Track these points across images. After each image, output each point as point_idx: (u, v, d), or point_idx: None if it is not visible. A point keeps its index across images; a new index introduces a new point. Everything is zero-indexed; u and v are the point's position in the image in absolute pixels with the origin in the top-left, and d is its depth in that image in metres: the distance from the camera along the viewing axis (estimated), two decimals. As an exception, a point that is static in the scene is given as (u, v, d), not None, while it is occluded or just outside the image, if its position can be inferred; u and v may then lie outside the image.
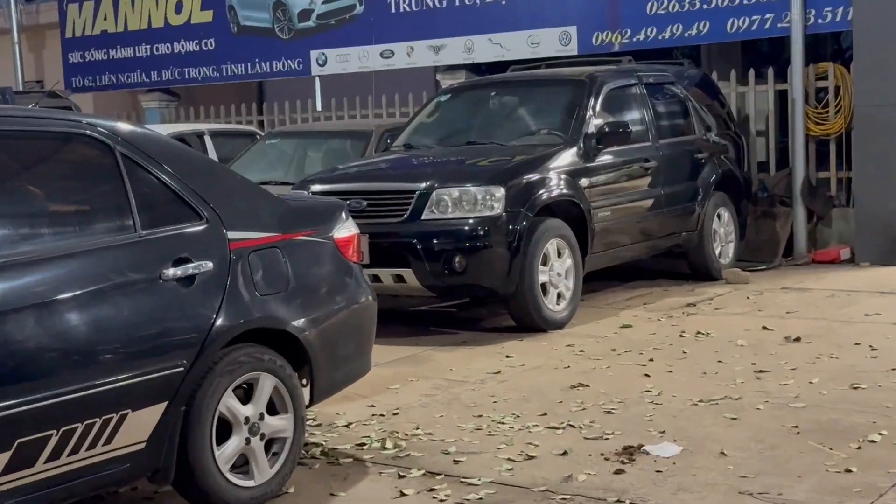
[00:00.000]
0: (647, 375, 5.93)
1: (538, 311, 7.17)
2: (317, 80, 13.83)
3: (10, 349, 3.43)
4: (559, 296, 7.37)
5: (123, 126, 4.11)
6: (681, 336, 6.87)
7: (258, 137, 10.88)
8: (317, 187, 7.52)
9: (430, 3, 11.76)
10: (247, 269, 4.18)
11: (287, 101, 13.41)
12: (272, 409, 4.29)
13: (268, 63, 13.13)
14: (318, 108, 13.61)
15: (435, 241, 6.99)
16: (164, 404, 3.86)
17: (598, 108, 8.04)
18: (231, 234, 4.16)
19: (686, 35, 10.26)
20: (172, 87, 14.19)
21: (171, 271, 3.93)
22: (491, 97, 8.72)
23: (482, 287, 7.15)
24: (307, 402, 4.47)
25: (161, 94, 14.20)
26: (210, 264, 4.05)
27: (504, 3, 11.29)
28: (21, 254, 3.58)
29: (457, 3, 11.61)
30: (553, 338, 7.04)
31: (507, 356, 6.58)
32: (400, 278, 7.10)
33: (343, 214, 4.77)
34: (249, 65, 13.27)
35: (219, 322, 4.02)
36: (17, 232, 3.66)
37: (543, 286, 7.24)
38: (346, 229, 4.72)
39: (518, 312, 7.23)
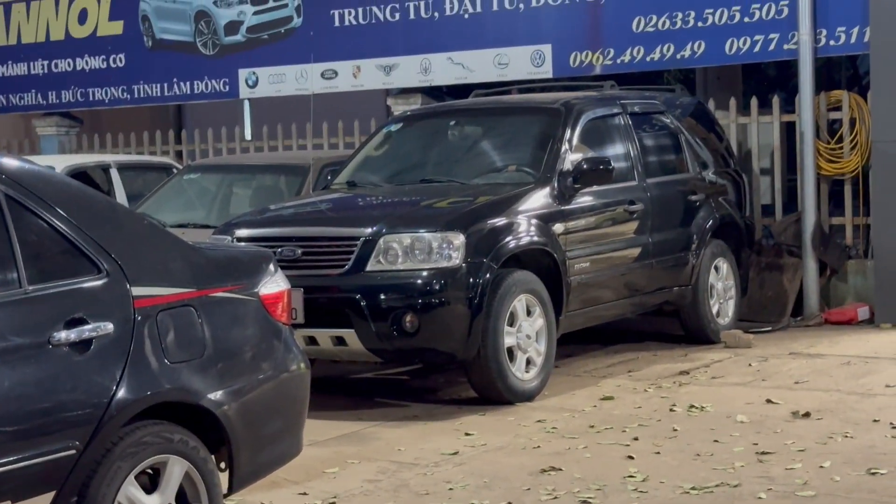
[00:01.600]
0: (630, 457, 5.94)
1: (503, 379, 7.18)
2: (246, 103, 13.86)
3: None
4: (528, 362, 7.39)
5: (8, 162, 4.10)
6: (671, 410, 6.90)
7: (175, 171, 10.87)
8: (243, 232, 7.51)
9: (381, 16, 11.86)
10: (154, 331, 4.17)
11: (210, 128, 13.41)
12: (183, 500, 4.24)
13: (188, 83, 13.13)
14: (247, 136, 13.65)
15: (382, 297, 6.99)
16: (51, 495, 3.81)
17: (575, 140, 8.12)
18: (136, 290, 4.15)
19: (678, 57, 10.40)
20: (74, 111, 14.13)
21: (62, 335, 3.90)
22: (450, 127, 8.78)
23: (438, 351, 7.15)
24: (226, 491, 4.43)
25: (60, 119, 14.13)
26: (110, 326, 4.03)
27: (467, 16, 11.41)
28: None
29: (411, 16, 11.71)
30: (521, 412, 7.04)
31: (467, 433, 6.57)
32: (340, 340, 7.08)
33: (271, 266, 4.77)
34: (166, 85, 13.26)
35: (119, 395, 4.00)
36: None
37: (510, 350, 7.25)
38: (274, 284, 4.72)
39: (480, 381, 7.23)
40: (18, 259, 3.90)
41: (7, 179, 3.98)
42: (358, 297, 7.00)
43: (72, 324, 3.94)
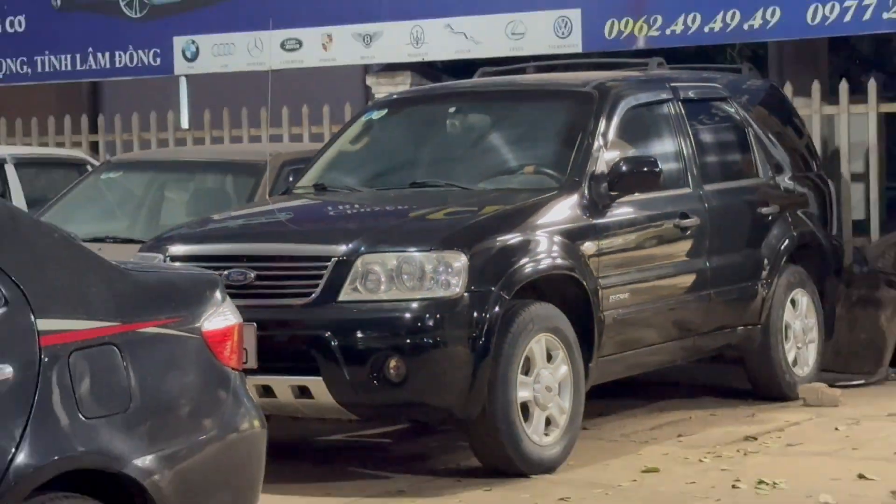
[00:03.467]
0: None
1: (516, 444, 7.21)
2: (182, 81, 13.90)
3: None
4: (549, 421, 7.42)
5: None
6: (734, 487, 6.93)
7: (89, 168, 10.92)
8: (179, 249, 7.54)
9: (360, -30, 11.95)
10: (66, 377, 4.19)
11: (136, 113, 13.48)
12: None
13: (108, 55, 13.24)
14: (184, 124, 13.68)
15: (359, 335, 7.03)
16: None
17: (611, 135, 8.18)
18: (42, 324, 4.18)
19: (746, 27, 10.49)
20: (-41, 89, 14.23)
21: (-52, 378, 3.93)
22: (449, 115, 8.84)
23: (430, 406, 7.18)
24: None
25: (-59, 98, 14.23)
26: (8, 370, 4.06)
27: (471, -28, 11.50)
28: None
29: (400, -30, 11.81)
30: (538, 486, 7.07)
31: (467, 516, 6.62)
32: (304, 391, 7.11)
33: (217, 294, 4.82)
34: (80, 57, 13.36)
35: (19, 460, 4.02)
36: None
37: (525, 406, 7.28)
38: (221, 317, 4.76)
39: (485, 446, 7.27)
40: None
41: None
42: (328, 335, 7.03)
43: (-39, 365, 3.98)
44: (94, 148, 13.61)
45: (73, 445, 4.17)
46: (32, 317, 4.17)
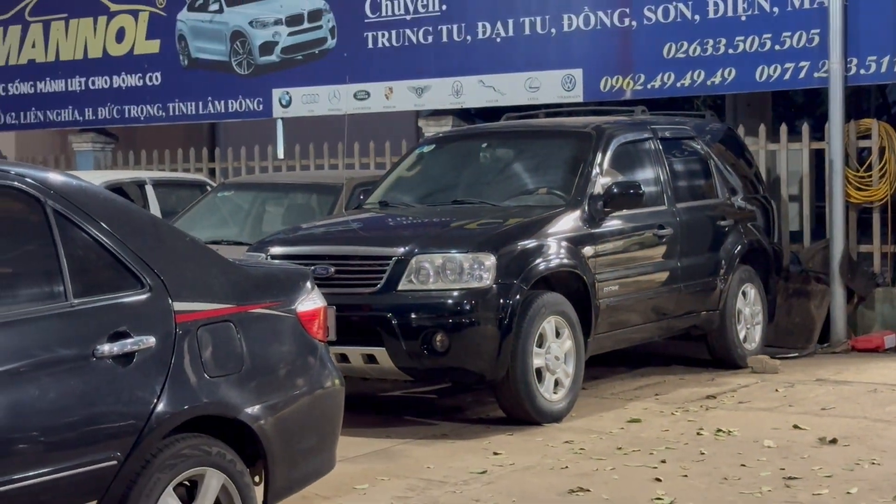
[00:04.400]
0: (658, 480, 5.96)
1: (532, 400, 7.21)
2: (279, 123, 13.96)
3: None
4: (557, 383, 7.42)
5: (56, 177, 4.18)
6: (698, 434, 6.91)
7: (208, 189, 10.95)
8: (277, 250, 7.57)
9: (414, 39, 11.95)
10: (195, 346, 4.23)
11: (244, 146, 13.52)
12: (219, 512, 4.30)
13: (223, 102, 13.26)
14: (280, 155, 13.73)
15: (413, 316, 7.04)
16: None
17: (605, 164, 8.17)
18: (177, 305, 4.22)
19: (709, 83, 10.44)
20: (109, 128, 14.29)
21: (106, 348, 3.96)
22: (482, 149, 8.84)
23: (467, 371, 7.19)
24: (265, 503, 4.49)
25: (96, 136, 14.28)
26: (152, 340, 4.10)
27: (499, 40, 11.49)
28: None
29: (444, 40, 11.80)
30: (549, 432, 7.07)
31: (495, 453, 6.60)
32: (371, 358, 7.13)
33: (308, 284, 4.83)
34: (201, 104, 13.39)
35: (160, 408, 4.06)
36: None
37: (539, 371, 7.28)
38: (311, 301, 4.78)
39: (508, 401, 7.27)
40: (65, 273, 3.96)
41: (54, 194, 4.05)
42: (389, 315, 7.05)
43: (115, 337, 4.01)
44: (211, 173, 13.65)
45: (199, 397, 4.22)
46: (170, 300, 4.21)
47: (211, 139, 15.85)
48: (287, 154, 13.61)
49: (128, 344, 4.02)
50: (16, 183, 3.99)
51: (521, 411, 7.24)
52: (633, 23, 10.72)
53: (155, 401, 4.05)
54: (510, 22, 11.40)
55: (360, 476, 6.14)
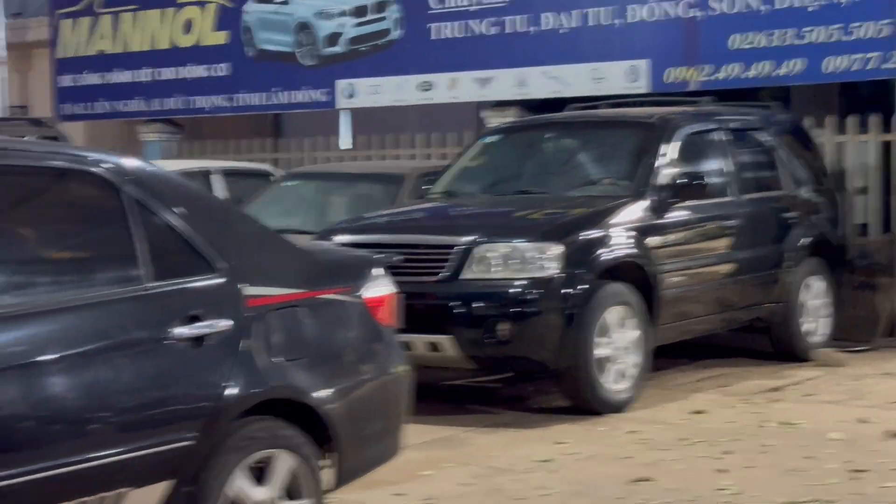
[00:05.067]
0: (722, 471, 5.95)
1: (595, 390, 7.21)
2: (343, 113, 14.03)
3: (-7, 414, 3.53)
4: (620, 373, 7.41)
5: (131, 162, 4.25)
6: (762, 426, 6.88)
7: (272, 178, 11.04)
8: (342, 238, 7.62)
9: (478, 30, 11.95)
10: (265, 330, 4.27)
11: (307, 137, 13.60)
12: (288, 493, 4.35)
13: (288, 93, 13.34)
14: (343, 146, 13.79)
15: (477, 305, 7.07)
16: (168, 483, 3.95)
17: (671, 155, 8.14)
18: (248, 290, 4.26)
19: (775, 74, 10.34)
20: (176, 118, 14.44)
21: (180, 330, 4.02)
22: (546, 140, 8.84)
23: (531, 360, 7.21)
24: (328, 487, 4.53)
25: (163, 126, 14.44)
26: (224, 324, 4.15)
27: (563, 31, 11.46)
28: (11, 306, 3.69)
29: (508, 30, 11.80)
30: (612, 422, 7.07)
31: (558, 442, 6.62)
32: (435, 347, 7.17)
33: (376, 270, 4.87)
34: (266, 94, 13.48)
35: (231, 390, 4.11)
36: (7, 281, 3.78)
37: (602, 362, 7.28)
38: (379, 287, 4.81)
39: (571, 391, 7.28)
40: (140, 257, 4.03)
41: (130, 180, 4.12)
42: (454, 304, 7.09)
43: (188, 320, 4.06)
44: (275, 163, 13.75)
45: (269, 380, 4.26)
46: (241, 285, 4.25)
47: (275, 130, 15.95)
48: (351, 145, 13.67)
49: (201, 327, 4.08)
50: (93, 168, 4.06)
51: (584, 401, 7.25)
52: (700, 13, 10.64)
53: (226, 383, 4.10)
54: (575, 13, 11.36)
55: (424, 462, 6.18)
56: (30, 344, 3.69)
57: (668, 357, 8.73)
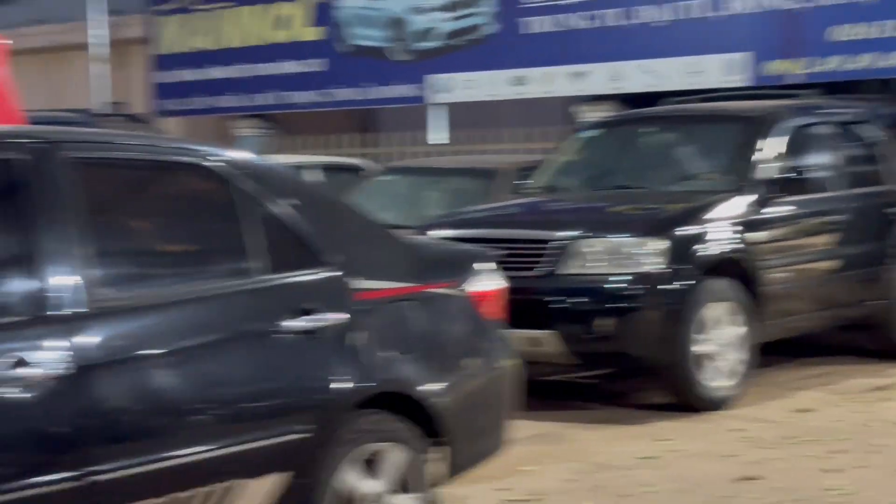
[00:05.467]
0: (831, 470, 5.83)
1: (698, 387, 7.12)
2: (434, 108, 14.05)
3: (104, 407, 3.56)
4: (723, 370, 7.30)
5: (243, 156, 4.28)
6: (869, 425, 6.73)
7: (363, 173, 11.07)
8: (441, 233, 7.60)
9: (572, 24, 11.89)
10: (375, 323, 4.28)
11: (399, 132, 13.64)
12: (397, 487, 4.34)
13: (379, 88, 13.41)
14: (436, 140, 13.81)
15: (579, 300, 7.02)
16: (283, 475, 3.96)
17: (773, 149, 8.00)
18: (358, 284, 4.27)
19: (882, 66, 10.13)
20: (270, 114, 14.57)
21: (291, 323, 4.03)
22: (645, 134, 8.75)
23: (633, 356, 7.14)
24: (438, 481, 4.52)
25: (257, 121, 14.60)
26: (334, 317, 4.15)
27: (659, 24, 11.36)
28: (124, 298, 3.72)
29: (602, 24, 11.72)
30: (714, 419, 6.98)
31: (660, 439, 6.54)
32: (535, 342, 7.11)
33: (483, 265, 4.85)
34: (359, 90, 13.55)
35: (342, 384, 4.12)
36: (121, 273, 3.81)
37: (705, 358, 7.18)
38: (486, 282, 4.79)
39: (674, 388, 7.19)
40: (252, 250, 4.05)
41: (241, 174, 4.14)
42: (555, 299, 7.04)
43: (299, 313, 4.07)
44: (367, 158, 13.81)
45: (380, 374, 4.26)
46: (350, 278, 4.26)
47: (366, 125, 16.05)
48: (443, 139, 13.68)
49: (311, 320, 4.08)
50: (206, 162, 4.09)
51: (686, 398, 7.16)
52: (799, 5, 10.47)
53: (337, 377, 4.11)
54: (672, 6, 11.26)
55: (526, 458, 6.14)
56: (146, 336, 3.73)
57: (770, 354, 8.58)
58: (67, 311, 3.56)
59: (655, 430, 6.76)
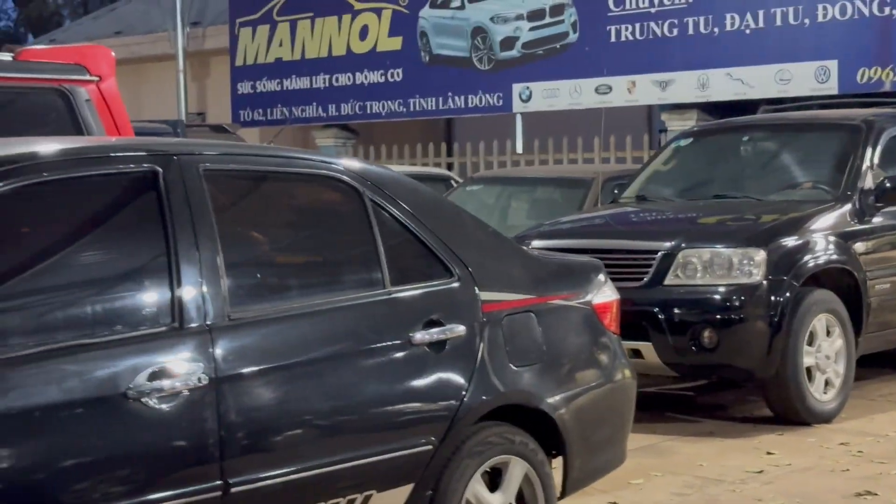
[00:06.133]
0: (950, 486, 5.72)
1: (802, 399, 7.01)
2: (518, 117, 14.03)
3: (240, 419, 3.57)
4: (827, 383, 7.19)
5: (371, 168, 4.27)
6: (983, 440, 6.60)
7: (453, 183, 11.05)
8: (538, 243, 7.54)
9: (658, 32, 11.82)
10: (500, 335, 4.24)
11: (482, 141, 13.62)
12: (520, 501, 4.31)
13: (462, 97, 13.41)
14: (519, 150, 13.78)
15: (680, 311, 6.95)
16: (410, 487, 3.95)
17: (876, 158, 7.87)
18: (484, 295, 4.24)
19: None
20: (351, 124, 14.62)
21: (421, 335, 4.02)
22: (743, 143, 8.65)
23: (736, 368, 7.06)
24: (558, 495, 4.48)
25: (339, 131, 14.67)
26: (461, 328, 4.13)
27: (748, 31, 11.25)
28: (257, 310, 3.73)
29: (690, 32, 11.64)
30: (821, 433, 6.87)
31: (768, 452, 6.45)
32: (636, 353, 7.04)
33: (601, 276, 4.80)
34: (441, 99, 13.57)
35: (470, 395, 4.09)
36: (254, 285, 3.83)
37: (809, 370, 7.08)
38: (605, 293, 4.75)
39: (778, 400, 7.09)
40: (383, 261, 4.04)
41: (371, 185, 4.14)
42: (656, 310, 6.97)
43: (429, 325, 4.06)
44: (448, 168, 13.82)
45: (505, 386, 4.22)
46: (477, 290, 4.23)
47: (447, 134, 16.06)
48: (525, 149, 13.65)
49: (441, 332, 4.07)
50: (339, 174, 4.09)
51: (790, 411, 7.05)
52: (894, 12, 10.32)
53: (465, 388, 4.09)
54: (760, 13, 11.16)
55: (633, 471, 6.07)
56: (280, 347, 3.73)
57: (870, 367, 8.45)
58: (203, 323, 3.58)
59: (761, 443, 6.67)
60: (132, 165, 3.65)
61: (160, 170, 3.67)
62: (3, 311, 3.31)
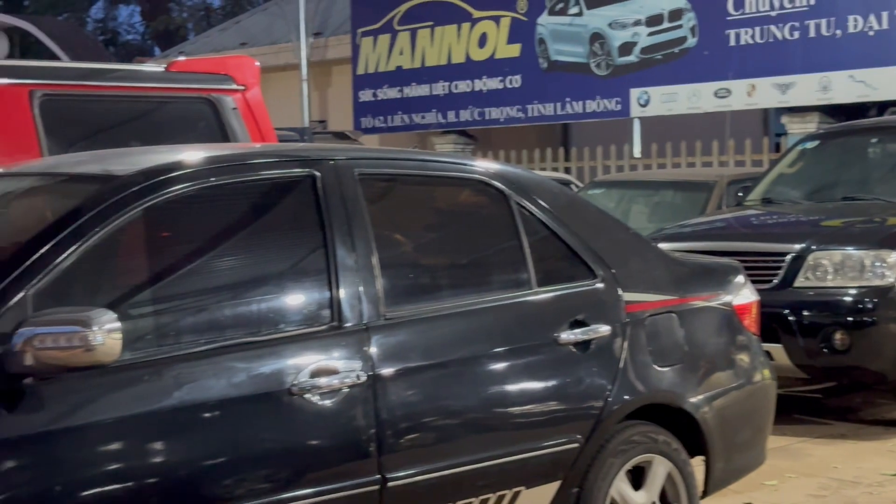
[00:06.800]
0: None
1: (937, 403, 6.88)
2: (636, 122, 13.97)
3: (395, 415, 3.62)
4: (962, 387, 7.04)
5: (515, 171, 4.32)
6: None
7: (573, 187, 11.05)
8: (666, 246, 7.47)
9: (779, 35, 11.67)
10: (643, 335, 4.25)
11: (600, 145, 13.59)
12: (663, 500, 4.31)
13: (580, 103, 13.39)
14: (637, 154, 13.72)
15: (812, 314, 6.87)
16: (557, 484, 3.98)
17: None
18: (627, 296, 4.25)
19: None
20: (470, 129, 14.70)
21: (567, 335, 4.05)
22: (871, 144, 8.50)
23: (868, 371, 6.94)
24: (700, 494, 4.47)
25: (457, 137, 14.76)
26: (606, 328, 4.15)
27: (872, 33, 11.05)
28: (411, 310, 3.79)
29: (811, 34, 11.47)
30: (956, 437, 6.74)
31: (902, 456, 6.35)
32: (766, 355, 6.91)
33: (740, 278, 4.78)
34: (559, 105, 13.58)
35: (615, 395, 4.11)
36: (408, 285, 3.90)
37: (942, 373, 6.94)
38: (745, 295, 4.72)
39: (913, 403, 6.97)
40: (529, 262, 4.08)
41: (516, 188, 4.18)
42: (787, 312, 6.89)
43: (574, 325, 4.08)
44: (566, 171, 13.81)
45: (650, 385, 4.23)
46: (620, 290, 4.24)
47: (563, 139, 16.05)
48: (643, 153, 13.59)
49: (586, 332, 4.09)
50: (486, 178, 4.14)
51: (925, 414, 6.93)
52: None
53: (610, 387, 4.10)
54: (885, 14, 10.95)
55: (766, 472, 5.98)
56: (433, 346, 3.79)
57: None
58: (360, 323, 3.65)
59: (895, 447, 6.55)
60: (293, 170, 3.75)
61: (318, 174, 3.75)
62: (176, 311, 3.43)
